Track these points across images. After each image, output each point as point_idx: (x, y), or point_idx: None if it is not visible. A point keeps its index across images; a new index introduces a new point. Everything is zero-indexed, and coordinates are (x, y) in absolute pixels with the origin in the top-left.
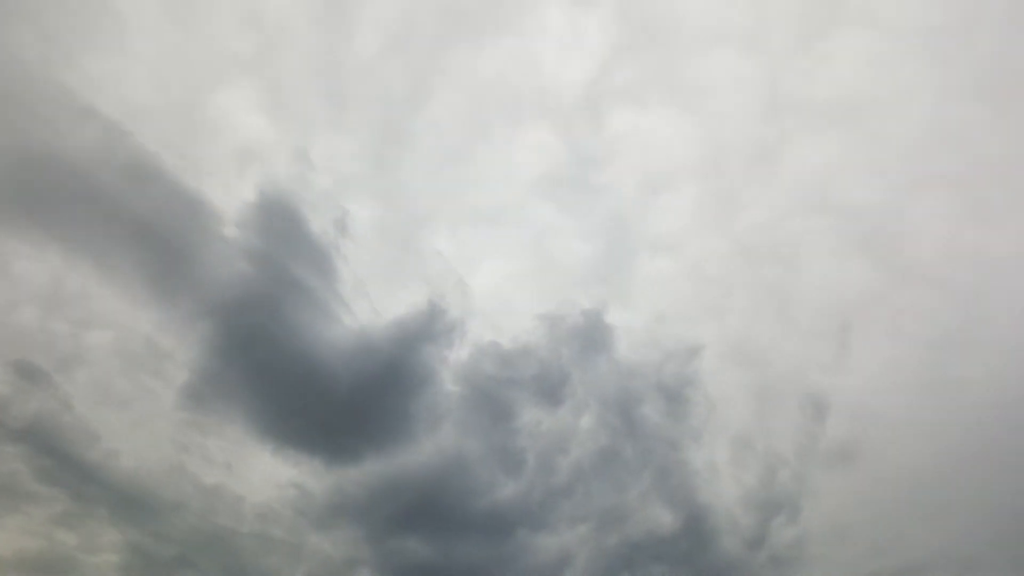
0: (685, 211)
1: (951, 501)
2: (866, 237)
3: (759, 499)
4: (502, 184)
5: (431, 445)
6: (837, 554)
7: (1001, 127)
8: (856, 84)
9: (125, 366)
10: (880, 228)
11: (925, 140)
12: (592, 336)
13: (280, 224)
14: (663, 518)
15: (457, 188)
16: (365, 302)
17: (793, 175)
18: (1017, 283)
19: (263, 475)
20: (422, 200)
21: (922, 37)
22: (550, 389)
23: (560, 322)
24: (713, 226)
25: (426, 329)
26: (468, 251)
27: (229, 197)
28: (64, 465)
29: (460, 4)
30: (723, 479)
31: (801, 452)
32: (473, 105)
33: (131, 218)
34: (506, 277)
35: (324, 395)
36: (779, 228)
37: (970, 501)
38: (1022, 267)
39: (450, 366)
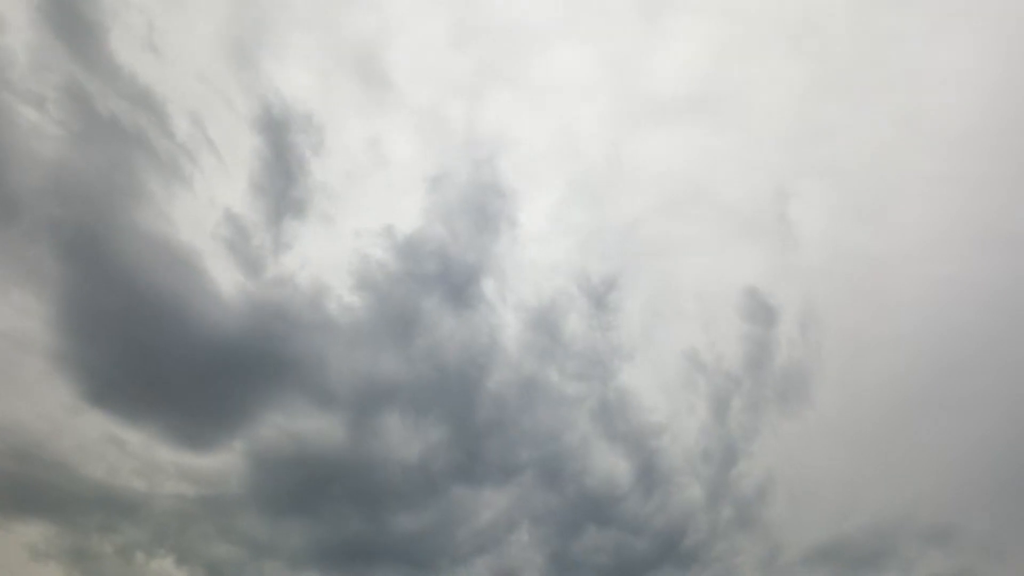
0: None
1: (914, 454)
2: (744, 230)
3: (716, 437)
4: None
5: (337, 390)
6: (802, 517)
7: (867, 122)
8: (719, 78)
9: None
10: (756, 222)
11: (796, 134)
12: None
13: None
14: (613, 465)
15: None
16: None
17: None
18: (900, 279)
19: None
20: None
21: (780, 30)
22: (457, 288)
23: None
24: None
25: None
26: None
27: None
28: None
29: None
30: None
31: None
32: None
33: None
34: None
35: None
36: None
37: (933, 453)
38: (902, 263)
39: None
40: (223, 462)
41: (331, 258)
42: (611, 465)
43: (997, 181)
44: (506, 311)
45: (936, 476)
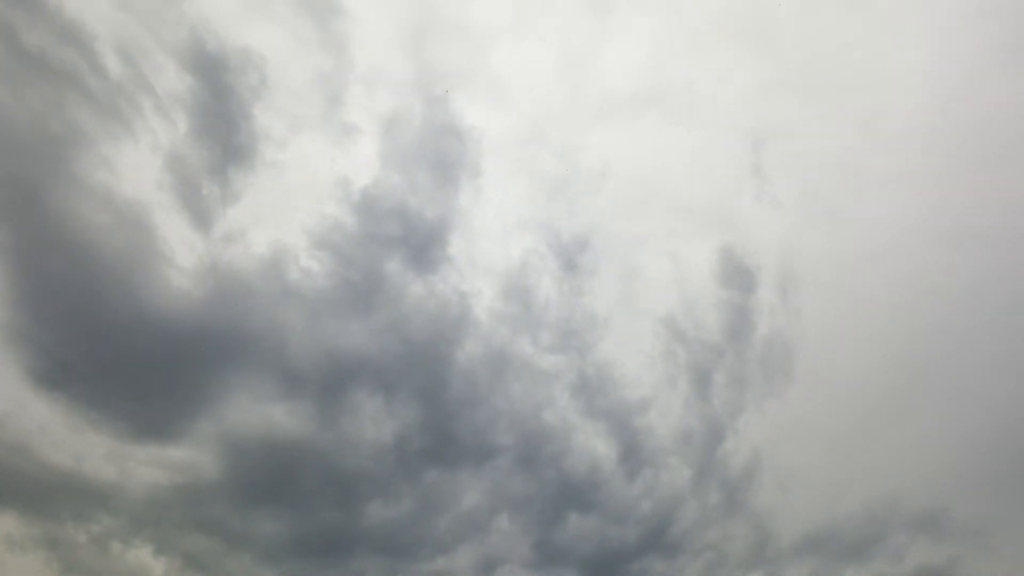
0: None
1: (901, 439)
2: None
3: (700, 414)
4: None
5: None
6: (790, 504)
7: (825, 121)
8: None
9: None
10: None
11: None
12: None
13: None
14: (595, 446)
15: None
16: None
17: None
18: (866, 279)
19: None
20: None
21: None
22: (421, 248)
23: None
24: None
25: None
26: None
27: None
28: None
29: None
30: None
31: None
32: None
33: None
34: None
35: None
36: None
37: (920, 438)
38: (863, 265)
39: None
40: (190, 449)
41: (284, 215)
42: (593, 446)
43: (955, 179)
44: (475, 276)
45: (923, 462)
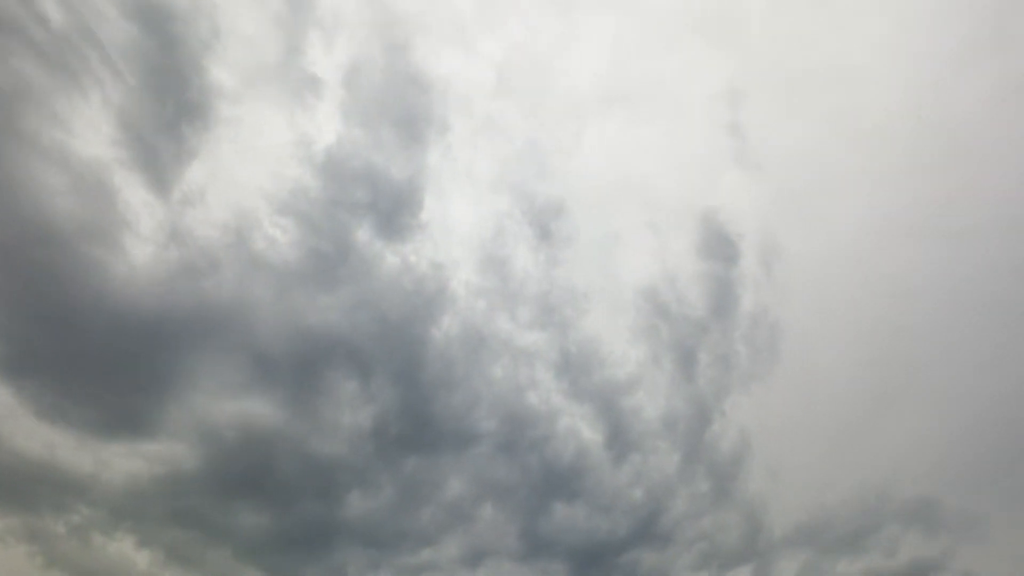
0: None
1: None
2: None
3: (686, 394)
4: None
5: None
6: (781, 493)
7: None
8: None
9: None
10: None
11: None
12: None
13: None
14: (580, 431)
15: None
16: None
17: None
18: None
19: None
20: None
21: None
22: (390, 214)
23: None
24: None
25: None
26: None
27: None
28: None
29: None
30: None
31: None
32: None
33: None
34: None
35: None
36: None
37: (911, 426)
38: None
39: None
40: (164, 438)
41: (243, 177)
42: (578, 430)
43: (915, 175)
44: (450, 245)
45: (914, 452)
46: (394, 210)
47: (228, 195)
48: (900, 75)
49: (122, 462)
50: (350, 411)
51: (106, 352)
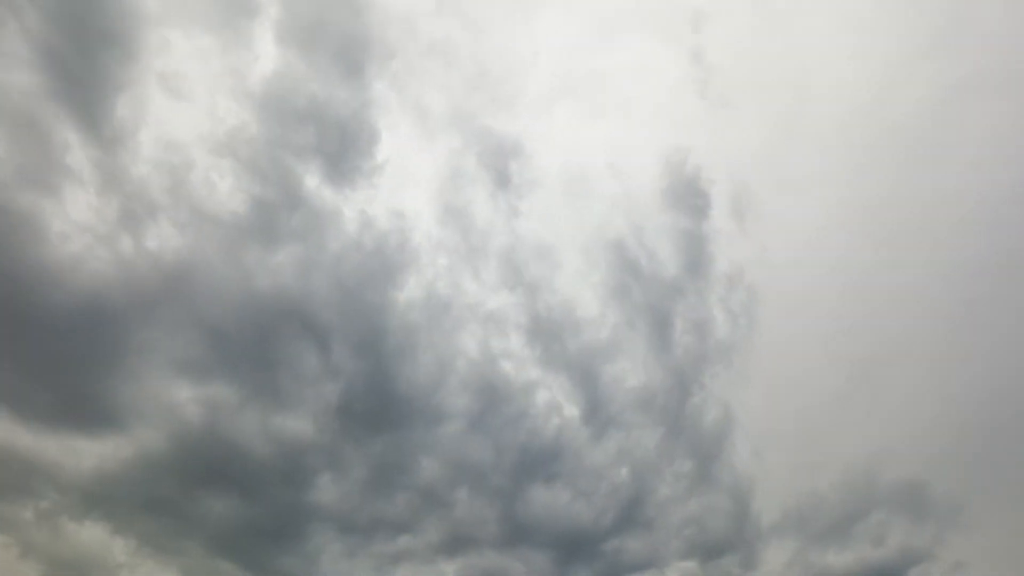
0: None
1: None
2: None
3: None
4: None
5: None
6: (767, 475)
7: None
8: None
9: None
10: None
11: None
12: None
13: None
14: (559, 405)
15: None
16: None
17: None
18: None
19: None
20: None
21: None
22: (339, 154)
23: None
24: None
25: None
26: None
27: None
28: None
29: None
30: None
31: None
32: None
33: None
34: None
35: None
36: None
37: (899, 405)
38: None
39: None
40: (125, 423)
41: (175, 113)
42: (556, 403)
43: (871, 180)
44: (404, 193)
45: (900, 434)
46: (342, 151)
47: (157, 130)
48: (848, 77)
49: (87, 447)
50: (312, 387)
51: (52, 328)
